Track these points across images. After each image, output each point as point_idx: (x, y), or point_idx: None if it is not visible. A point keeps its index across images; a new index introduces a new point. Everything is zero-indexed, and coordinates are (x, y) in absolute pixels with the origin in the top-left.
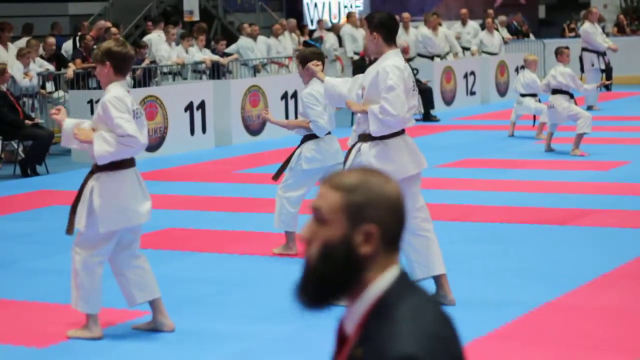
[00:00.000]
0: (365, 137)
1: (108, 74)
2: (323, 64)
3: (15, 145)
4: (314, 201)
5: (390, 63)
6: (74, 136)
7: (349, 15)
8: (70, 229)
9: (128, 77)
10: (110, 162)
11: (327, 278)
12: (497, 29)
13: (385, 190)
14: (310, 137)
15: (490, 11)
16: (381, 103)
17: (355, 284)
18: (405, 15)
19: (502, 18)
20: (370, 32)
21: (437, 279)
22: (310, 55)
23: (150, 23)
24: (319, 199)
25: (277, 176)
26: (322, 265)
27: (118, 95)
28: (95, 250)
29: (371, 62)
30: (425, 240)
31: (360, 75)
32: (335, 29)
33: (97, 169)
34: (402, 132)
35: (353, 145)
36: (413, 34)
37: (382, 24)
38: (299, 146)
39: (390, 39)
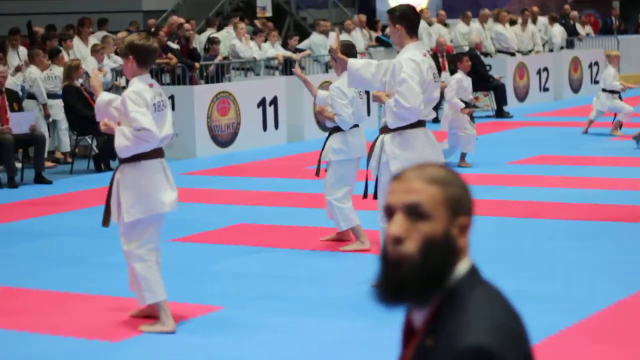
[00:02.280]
0: (386, 129)
1: (132, 68)
2: (355, 56)
3: (89, 141)
4: (405, 198)
5: (407, 56)
6: (102, 128)
7: (421, 11)
8: (105, 221)
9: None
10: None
11: (431, 273)
12: (569, 24)
13: (467, 182)
14: (337, 129)
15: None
16: (395, 96)
17: (449, 277)
18: (485, 12)
19: (574, 14)
20: (393, 24)
21: None
22: (342, 47)
23: (236, 19)
24: (414, 195)
25: (318, 171)
26: (427, 261)
27: (137, 89)
28: (138, 240)
29: (443, 57)
30: None
31: (385, 61)
32: None
33: (120, 161)
34: (422, 124)
35: (377, 138)
36: (489, 29)
37: (405, 17)
38: (327, 139)
39: (412, 31)
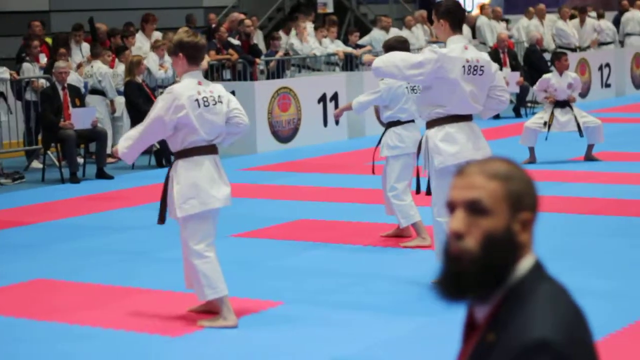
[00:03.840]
0: (431, 124)
1: (182, 65)
2: (408, 50)
3: None
4: (466, 193)
5: (444, 52)
6: (114, 154)
7: (483, 7)
8: (161, 219)
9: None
10: (184, 149)
11: (492, 269)
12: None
13: (531, 177)
14: (391, 124)
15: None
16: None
17: (511, 273)
18: (541, 6)
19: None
20: (437, 19)
21: None
22: (394, 43)
23: (300, 16)
24: (474, 190)
25: (374, 169)
26: (488, 257)
27: (174, 89)
28: (195, 237)
29: (504, 53)
30: None
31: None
32: (468, 20)
33: (174, 157)
34: (466, 118)
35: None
36: (547, 26)
37: (449, 12)
38: (382, 135)
39: (456, 26)
